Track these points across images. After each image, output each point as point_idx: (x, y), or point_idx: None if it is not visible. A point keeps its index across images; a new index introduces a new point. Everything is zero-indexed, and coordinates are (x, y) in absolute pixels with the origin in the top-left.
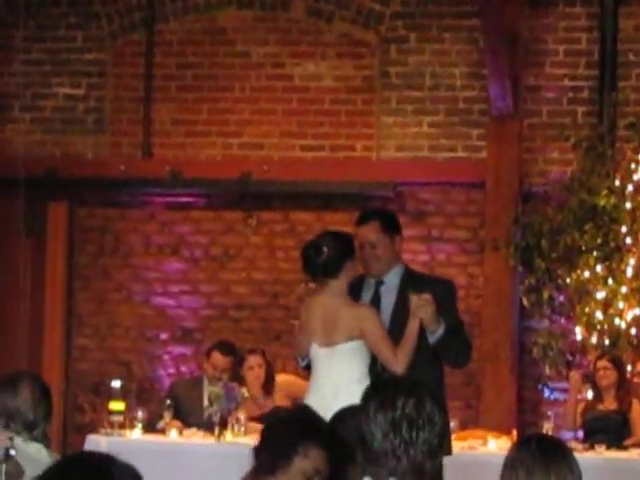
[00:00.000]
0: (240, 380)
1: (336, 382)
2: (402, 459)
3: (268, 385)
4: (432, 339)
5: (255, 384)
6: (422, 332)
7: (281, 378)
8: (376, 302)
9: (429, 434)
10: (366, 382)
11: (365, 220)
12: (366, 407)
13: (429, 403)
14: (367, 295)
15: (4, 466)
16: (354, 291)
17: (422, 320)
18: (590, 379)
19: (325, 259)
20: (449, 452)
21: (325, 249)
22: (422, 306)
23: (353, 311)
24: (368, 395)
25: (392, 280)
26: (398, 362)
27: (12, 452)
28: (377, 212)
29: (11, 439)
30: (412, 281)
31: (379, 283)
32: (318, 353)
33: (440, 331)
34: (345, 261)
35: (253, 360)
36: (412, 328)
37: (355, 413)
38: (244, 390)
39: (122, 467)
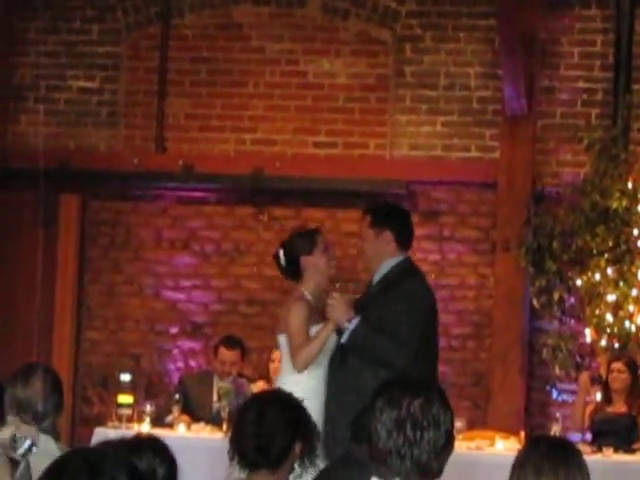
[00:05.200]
0: (267, 375)
1: (282, 372)
2: (406, 459)
3: None
4: (343, 338)
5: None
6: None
7: None
8: (359, 302)
9: (434, 434)
10: (315, 373)
11: (361, 215)
12: (374, 405)
13: (436, 404)
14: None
15: (25, 461)
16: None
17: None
18: (599, 381)
19: (281, 263)
20: None
21: (280, 253)
22: (330, 305)
23: (285, 305)
24: (377, 393)
25: (378, 277)
26: (295, 359)
27: (34, 449)
28: (373, 207)
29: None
30: (386, 282)
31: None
32: None
33: (349, 327)
34: (299, 258)
35: (276, 354)
36: (322, 329)
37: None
38: (258, 384)
39: (116, 462)
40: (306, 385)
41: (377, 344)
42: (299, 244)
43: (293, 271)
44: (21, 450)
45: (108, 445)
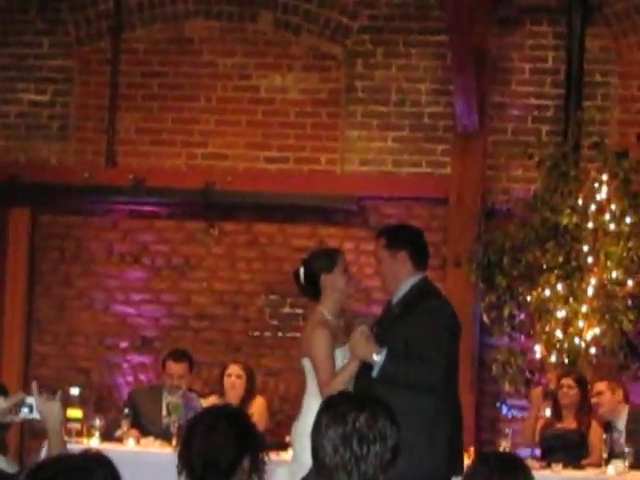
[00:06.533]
0: (220, 390)
1: (307, 396)
2: (353, 474)
3: (244, 401)
4: (374, 372)
5: (231, 394)
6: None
7: (259, 403)
8: (380, 323)
9: (381, 448)
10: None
11: (375, 237)
12: (319, 421)
13: (382, 418)
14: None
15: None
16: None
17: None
18: (550, 397)
19: (301, 280)
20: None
21: (300, 270)
22: (354, 340)
23: (308, 330)
24: (321, 409)
25: (397, 298)
26: (323, 391)
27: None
28: (387, 228)
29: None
30: (406, 302)
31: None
32: None
33: (378, 361)
34: (319, 276)
35: (232, 369)
36: (348, 364)
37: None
38: (210, 399)
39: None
40: None
41: (410, 373)
42: (320, 262)
43: (312, 289)
44: (23, 413)
45: (54, 461)
